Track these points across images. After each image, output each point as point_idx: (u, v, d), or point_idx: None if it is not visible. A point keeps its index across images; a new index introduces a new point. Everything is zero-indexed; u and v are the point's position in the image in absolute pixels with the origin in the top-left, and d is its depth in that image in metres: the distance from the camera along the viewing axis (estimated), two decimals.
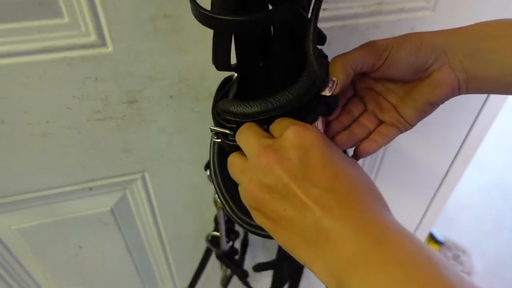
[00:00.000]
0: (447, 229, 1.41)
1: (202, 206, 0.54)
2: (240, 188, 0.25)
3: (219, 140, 0.28)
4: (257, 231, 0.29)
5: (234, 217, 0.30)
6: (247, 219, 0.29)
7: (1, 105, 0.36)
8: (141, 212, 0.52)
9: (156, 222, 0.54)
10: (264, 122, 0.26)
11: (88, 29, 0.34)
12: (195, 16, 0.24)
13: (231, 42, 0.25)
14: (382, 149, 0.47)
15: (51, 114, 0.38)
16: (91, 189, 0.46)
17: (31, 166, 0.41)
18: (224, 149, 0.30)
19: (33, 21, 0.32)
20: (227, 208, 0.31)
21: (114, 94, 0.38)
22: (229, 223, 0.48)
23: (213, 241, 0.50)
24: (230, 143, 0.27)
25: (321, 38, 0.28)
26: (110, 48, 0.35)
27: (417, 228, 0.78)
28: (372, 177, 0.62)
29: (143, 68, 0.37)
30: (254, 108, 0.26)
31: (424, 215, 0.76)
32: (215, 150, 0.31)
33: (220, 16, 0.22)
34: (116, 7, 0.33)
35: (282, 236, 0.23)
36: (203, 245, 0.53)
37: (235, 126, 0.27)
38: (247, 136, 0.24)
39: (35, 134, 0.38)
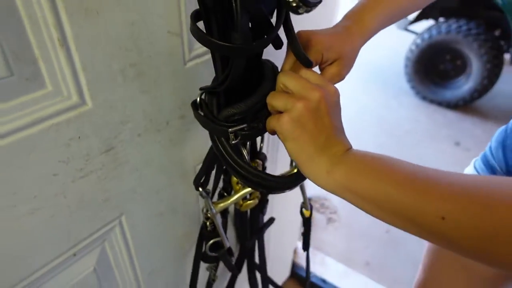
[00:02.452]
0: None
1: (170, 235, 0.58)
2: (288, 111, 0.36)
3: (238, 138, 0.38)
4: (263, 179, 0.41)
5: (251, 175, 0.41)
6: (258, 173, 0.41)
7: None
8: (119, 260, 0.52)
9: (133, 265, 0.55)
10: (258, 110, 0.39)
11: (70, 92, 0.36)
12: (212, 47, 0.34)
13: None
14: None
15: (38, 187, 0.37)
16: (75, 255, 0.45)
17: (18, 252, 0.38)
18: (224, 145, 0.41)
19: (20, 98, 0.33)
20: (246, 171, 0.41)
21: (94, 147, 0.40)
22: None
23: (214, 247, 0.56)
24: (247, 132, 0.38)
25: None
26: (89, 105, 0.38)
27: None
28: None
29: (116, 116, 0.41)
30: (248, 103, 0.39)
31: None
32: (228, 147, 0.40)
33: (239, 46, 0.34)
34: (93, 65, 0.36)
35: (307, 145, 0.35)
36: (172, 277, 0.58)
37: (244, 122, 0.38)
38: (297, 80, 0.36)
39: (23, 214, 0.37)
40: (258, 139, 0.51)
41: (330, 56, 0.42)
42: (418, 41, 2.42)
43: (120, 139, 0.43)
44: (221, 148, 0.41)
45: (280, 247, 1.09)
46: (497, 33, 2.31)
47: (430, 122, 2.34)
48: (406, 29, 2.62)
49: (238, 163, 0.41)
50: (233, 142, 0.39)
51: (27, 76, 0.32)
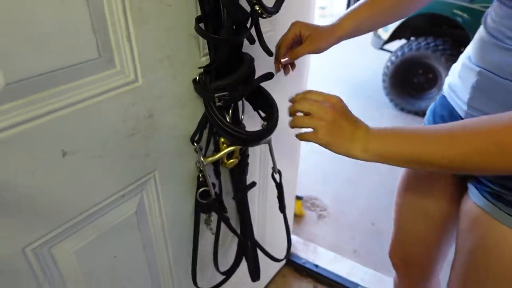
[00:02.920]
0: (302, 189, 1.91)
1: (188, 194, 0.75)
2: (317, 130, 0.53)
3: (221, 102, 0.58)
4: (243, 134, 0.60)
5: (229, 129, 0.60)
6: (236, 128, 0.60)
7: (74, 139, 0.51)
8: (154, 208, 0.69)
9: (161, 214, 0.72)
10: (237, 84, 0.58)
11: (129, 72, 0.54)
12: (207, 38, 0.54)
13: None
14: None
15: (106, 138, 0.55)
16: (123, 196, 0.62)
17: (84, 189, 0.55)
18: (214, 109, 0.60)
19: (102, 73, 0.51)
20: (226, 126, 0.60)
21: (141, 113, 0.58)
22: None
23: (203, 195, 0.73)
24: (227, 98, 0.59)
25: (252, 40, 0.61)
26: (140, 82, 0.56)
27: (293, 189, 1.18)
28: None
29: (155, 91, 0.59)
30: (231, 78, 0.58)
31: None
32: (214, 109, 0.60)
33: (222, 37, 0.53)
34: (144, 55, 0.55)
35: (341, 143, 0.52)
36: (188, 228, 0.75)
37: (226, 91, 0.58)
38: (310, 104, 0.54)
39: (95, 156, 0.54)
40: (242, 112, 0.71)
41: (305, 33, 0.63)
42: (393, 58, 2.68)
43: (157, 109, 0.61)
44: (210, 110, 0.60)
45: (276, 238, 1.24)
46: (462, 49, 2.57)
47: None
48: (382, 48, 2.89)
49: (222, 121, 0.60)
50: (217, 104, 0.58)
51: (107, 59, 0.51)
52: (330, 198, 1.91)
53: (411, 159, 0.50)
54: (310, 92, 0.57)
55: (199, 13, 0.59)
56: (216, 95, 0.59)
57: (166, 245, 0.77)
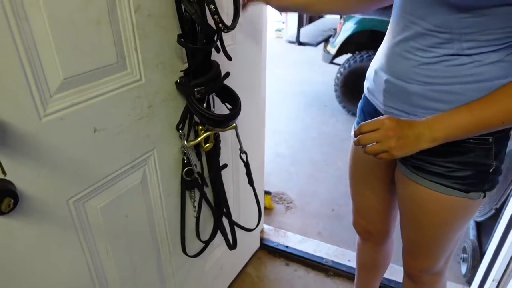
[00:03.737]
0: (270, 185, 2.15)
1: (178, 168, 0.97)
2: (387, 150, 0.65)
3: (199, 94, 0.81)
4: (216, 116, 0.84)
5: (207, 114, 0.83)
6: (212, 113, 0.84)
7: (102, 120, 0.72)
8: (153, 180, 0.90)
9: (158, 187, 0.92)
10: (211, 80, 0.83)
11: (136, 73, 0.77)
12: (186, 47, 0.78)
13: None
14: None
15: (122, 120, 0.76)
16: (132, 167, 0.83)
17: (109, 157, 0.76)
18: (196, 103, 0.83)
19: (117, 74, 0.73)
20: (204, 112, 0.83)
21: (144, 103, 0.81)
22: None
23: (189, 172, 0.95)
24: (203, 91, 0.82)
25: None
26: (143, 80, 0.79)
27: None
28: None
29: (153, 87, 0.82)
30: (205, 77, 0.82)
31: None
32: (194, 100, 0.83)
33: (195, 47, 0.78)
34: (146, 60, 0.78)
35: (410, 149, 0.65)
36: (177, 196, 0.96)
37: (202, 86, 0.81)
38: (372, 136, 0.66)
39: (115, 133, 0.75)
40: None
41: None
42: (341, 70, 3.03)
43: (155, 101, 0.83)
44: (191, 101, 0.84)
45: (250, 212, 1.46)
46: None
47: None
48: (331, 62, 3.25)
49: (201, 109, 0.84)
50: (196, 96, 0.82)
51: (122, 64, 0.73)
52: (295, 193, 2.15)
53: (473, 130, 0.66)
54: (364, 125, 0.68)
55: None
56: (195, 89, 0.83)
57: (163, 212, 0.97)
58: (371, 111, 0.90)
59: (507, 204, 1.30)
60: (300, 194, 2.14)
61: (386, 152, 0.67)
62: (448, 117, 0.66)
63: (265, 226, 1.83)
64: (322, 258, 1.64)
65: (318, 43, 3.48)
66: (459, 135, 0.66)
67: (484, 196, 0.78)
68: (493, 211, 1.52)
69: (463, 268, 1.59)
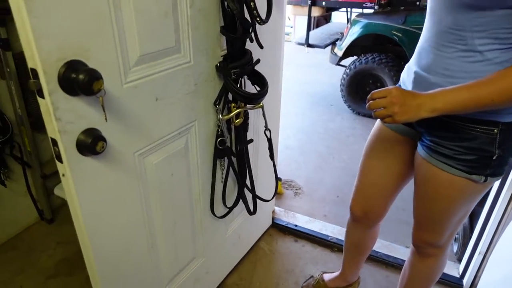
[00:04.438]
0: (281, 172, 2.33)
1: (212, 139, 1.15)
2: (394, 114, 0.78)
3: (235, 75, 1.00)
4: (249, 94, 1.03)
5: (240, 92, 1.03)
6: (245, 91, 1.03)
7: (161, 91, 0.91)
8: (193, 146, 1.09)
9: (196, 152, 1.11)
10: (245, 64, 1.02)
11: (187, 56, 0.96)
12: (228, 36, 0.97)
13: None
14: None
15: (176, 92, 0.95)
16: (179, 133, 1.02)
17: (165, 122, 0.95)
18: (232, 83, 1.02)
19: (174, 55, 0.92)
20: (239, 90, 1.02)
21: (192, 81, 0.99)
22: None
23: (222, 142, 1.13)
24: (239, 72, 1.02)
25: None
26: (192, 62, 0.98)
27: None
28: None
29: (199, 69, 1.01)
30: (241, 61, 1.02)
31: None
32: (231, 80, 1.02)
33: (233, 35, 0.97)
34: (196, 46, 0.97)
35: (412, 114, 0.77)
36: (210, 163, 1.15)
37: (238, 69, 1.01)
38: (380, 102, 0.80)
39: (170, 103, 0.94)
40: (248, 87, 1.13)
41: None
42: (347, 71, 3.23)
43: (200, 80, 1.02)
44: (228, 81, 1.02)
45: (263, 207, 1.65)
46: (402, 62, 3.16)
47: (363, 128, 3.08)
48: (338, 64, 3.44)
49: (236, 87, 1.02)
50: (233, 77, 1.01)
51: (177, 47, 0.92)
52: (303, 180, 2.34)
53: (470, 105, 0.75)
54: (375, 92, 0.82)
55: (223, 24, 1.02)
56: (232, 71, 1.01)
57: (198, 176, 1.16)
58: None
59: (492, 185, 1.47)
60: (308, 182, 2.32)
61: (390, 117, 0.79)
62: (449, 91, 0.77)
63: (276, 208, 2.01)
64: (328, 236, 1.82)
65: (326, 46, 3.67)
66: (456, 109, 0.76)
67: (485, 180, 0.86)
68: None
69: (455, 247, 1.76)
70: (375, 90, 0.83)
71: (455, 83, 0.79)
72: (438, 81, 0.84)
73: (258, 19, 0.97)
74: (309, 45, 3.61)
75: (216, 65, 1.05)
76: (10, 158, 1.63)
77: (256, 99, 1.08)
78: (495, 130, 0.82)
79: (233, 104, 1.14)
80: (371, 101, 0.83)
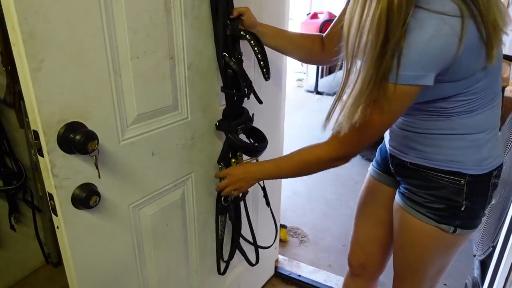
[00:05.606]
0: (287, 219, 2.32)
1: (212, 195, 1.19)
2: (231, 184, 1.06)
3: (241, 131, 1.06)
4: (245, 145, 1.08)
5: (249, 146, 1.08)
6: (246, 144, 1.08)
7: (157, 146, 0.96)
8: (189, 197, 1.12)
9: (193, 204, 1.14)
10: (244, 122, 1.08)
11: (185, 113, 1.02)
12: (233, 95, 1.03)
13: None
14: None
15: (171, 147, 1.00)
16: (175, 185, 1.06)
17: (160, 175, 1.00)
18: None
19: (171, 113, 0.98)
20: (246, 144, 1.07)
21: (188, 135, 1.05)
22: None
23: (226, 199, 1.16)
24: (244, 128, 1.08)
25: None
26: (189, 118, 1.04)
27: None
28: None
29: (196, 124, 1.07)
30: (241, 119, 1.07)
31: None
32: (236, 136, 1.07)
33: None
34: (192, 103, 1.03)
35: (244, 185, 1.06)
36: (208, 218, 1.18)
37: (241, 125, 1.07)
38: (226, 183, 1.07)
39: (165, 157, 0.99)
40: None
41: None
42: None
43: (196, 134, 1.08)
44: (234, 138, 1.07)
45: (266, 255, 1.64)
46: None
47: None
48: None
49: (242, 142, 1.07)
50: (239, 133, 1.05)
51: (175, 105, 0.99)
52: (309, 228, 2.31)
53: (276, 175, 1.05)
54: (218, 174, 1.12)
55: (219, 82, 1.09)
56: (239, 127, 1.06)
57: (194, 227, 1.18)
58: (383, 151, 1.10)
59: (498, 241, 1.44)
60: (314, 229, 2.30)
61: (237, 190, 1.06)
62: (260, 165, 1.06)
63: (280, 257, 1.98)
64: None
65: (334, 93, 3.75)
66: (268, 178, 1.07)
67: (455, 231, 0.88)
68: (491, 249, 1.64)
69: None
70: (218, 172, 1.11)
71: (416, 137, 0.90)
72: (405, 134, 0.93)
73: (266, 75, 1.03)
74: (318, 93, 3.71)
75: (216, 124, 1.11)
76: (22, 202, 1.70)
77: (262, 151, 1.11)
78: (462, 181, 0.86)
79: (233, 160, 1.16)
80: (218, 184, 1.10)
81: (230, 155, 1.15)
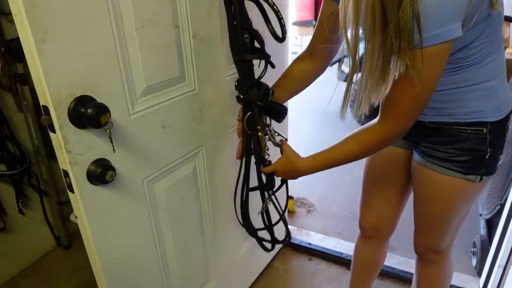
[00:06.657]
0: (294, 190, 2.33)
1: (223, 162, 1.18)
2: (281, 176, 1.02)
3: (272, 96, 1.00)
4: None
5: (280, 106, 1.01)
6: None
7: (168, 119, 0.94)
8: (201, 170, 1.11)
9: (204, 177, 1.13)
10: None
11: (192, 84, 0.99)
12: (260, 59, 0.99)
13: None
14: None
15: (182, 120, 0.98)
16: (187, 158, 1.04)
17: (172, 148, 0.98)
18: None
19: (179, 84, 0.96)
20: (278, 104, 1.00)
21: (197, 108, 1.03)
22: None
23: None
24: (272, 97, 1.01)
25: None
26: (197, 90, 1.01)
27: None
28: None
29: (204, 95, 1.04)
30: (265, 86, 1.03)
31: None
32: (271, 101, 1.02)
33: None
34: (199, 74, 1.00)
35: (293, 176, 1.02)
36: (221, 189, 1.17)
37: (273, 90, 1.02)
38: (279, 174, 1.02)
39: (177, 130, 0.98)
40: None
41: None
42: (356, 87, 3.23)
43: (205, 106, 1.05)
44: (270, 103, 0.99)
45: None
46: None
47: None
48: (346, 81, 3.46)
49: (280, 104, 1.00)
50: (270, 97, 1.01)
51: (182, 77, 0.96)
52: (316, 198, 2.33)
53: (326, 167, 0.98)
54: (265, 170, 1.01)
55: (225, 52, 1.06)
56: (270, 91, 0.95)
57: (208, 201, 1.18)
58: None
59: (507, 198, 1.45)
60: (320, 199, 2.31)
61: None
62: (309, 163, 1.00)
63: (289, 227, 2.00)
64: (342, 253, 1.80)
65: (333, 63, 3.71)
66: (323, 169, 1.00)
67: (481, 179, 0.91)
68: (498, 207, 1.66)
69: (474, 261, 1.72)
70: (263, 169, 1.01)
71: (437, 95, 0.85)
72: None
73: (285, 34, 0.94)
74: None
75: (240, 96, 0.94)
76: (28, 187, 1.68)
77: (287, 112, 1.04)
78: (484, 130, 0.87)
79: (260, 134, 1.00)
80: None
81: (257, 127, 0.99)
